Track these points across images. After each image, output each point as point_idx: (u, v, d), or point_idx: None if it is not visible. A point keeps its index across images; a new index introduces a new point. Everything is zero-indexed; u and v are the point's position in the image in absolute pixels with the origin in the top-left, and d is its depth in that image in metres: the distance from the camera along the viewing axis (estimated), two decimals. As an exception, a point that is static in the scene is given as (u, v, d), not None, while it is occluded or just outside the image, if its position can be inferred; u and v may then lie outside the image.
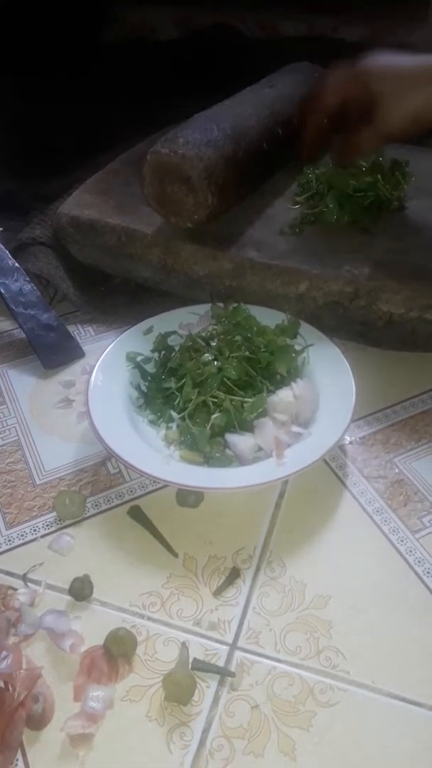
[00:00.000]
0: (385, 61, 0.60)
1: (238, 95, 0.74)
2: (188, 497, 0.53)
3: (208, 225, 0.65)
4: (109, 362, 0.59)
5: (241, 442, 0.53)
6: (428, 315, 0.59)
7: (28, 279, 0.70)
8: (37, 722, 0.41)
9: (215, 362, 0.56)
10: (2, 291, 0.68)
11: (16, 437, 0.60)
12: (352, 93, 0.61)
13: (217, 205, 0.64)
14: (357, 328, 0.63)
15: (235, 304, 0.62)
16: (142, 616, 0.46)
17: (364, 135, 0.61)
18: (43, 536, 0.52)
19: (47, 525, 0.53)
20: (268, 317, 0.62)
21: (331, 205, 0.68)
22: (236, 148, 0.65)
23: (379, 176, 0.70)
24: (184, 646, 0.44)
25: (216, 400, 0.55)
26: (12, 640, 0.45)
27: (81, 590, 0.47)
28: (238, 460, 0.53)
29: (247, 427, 0.54)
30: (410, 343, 0.62)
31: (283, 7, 1.46)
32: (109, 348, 0.61)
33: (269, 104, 0.72)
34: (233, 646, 0.45)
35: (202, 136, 0.63)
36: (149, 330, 0.63)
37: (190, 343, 0.59)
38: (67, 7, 1.31)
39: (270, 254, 0.64)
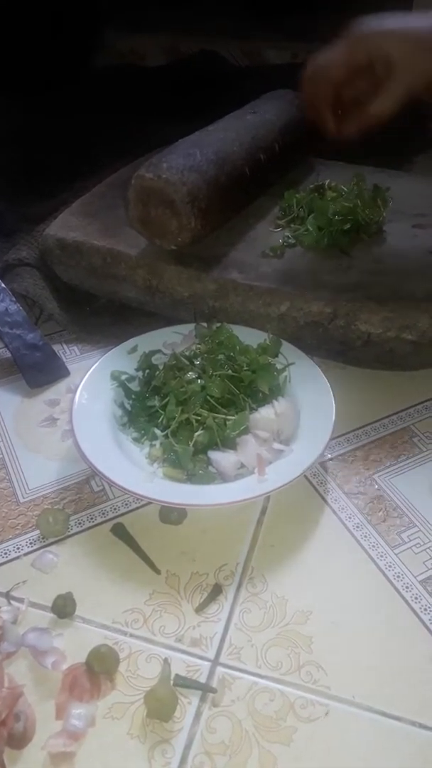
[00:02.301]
0: (392, 23, 0.56)
1: (222, 121, 0.76)
2: (171, 514, 0.53)
3: (191, 247, 0.67)
4: (93, 381, 0.60)
5: (223, 459, 0.54)
6: (405, 335, 0.60)
7: (14, 299, 0.71)
8: (19, 741, 0.41)
9: (198, 380, 0.57)
10: (-12, 311, 0.69)
11: (0, 455, 0.61)
12: (362, 58, 0.56)
13: (200, 228, 0.65)
14: (337, 348, 0.64)
15: (219, 324, 0.63)
16: (124, 633, 0.46)
17: (379, 100, 0.57)
18: (26, 554, 0.52)
19: (31, 543, 0.53)
20: (251, 337, 0.63)
21: (311, 229, 0.70)
22: (219, 172, 0.67)
23: (358, 201, 0.72)
24: (166, 662, 0.45)
25: (199, 417, 0.56)
26: (-6, 658, 0.45)
27: (64, 607, 0.47)
28: (221, 476, 0.54)
29: (229, 444, 0.55)
30: (388, 362, 0.64)
31: (268, 36, 1.50)
32: (93, 367, 0.61)
33: (251, 130, 0.74)
34: (215, 662, 0.45)
35: (186, 161, 0.65)
36: (134, 349, 0.64)
37: (174, 362, 0.60)
38: (57, 31, 1.34)
39: (252, 276, 0.65)
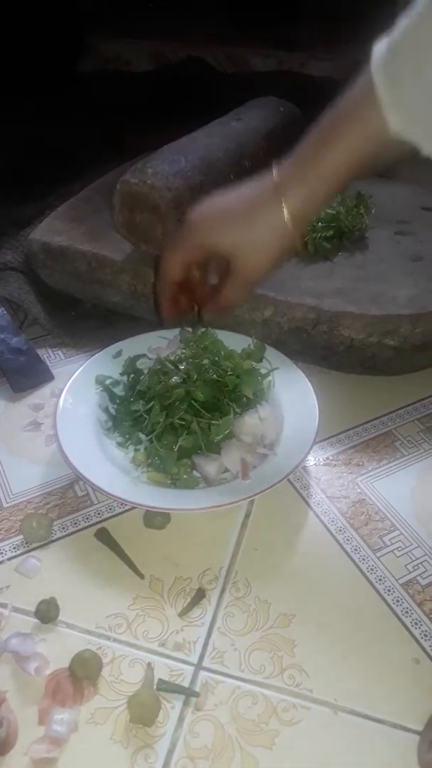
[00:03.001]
0: (214, 207, 0.49)
1: (206, 127, 0.77)
2: (155, 519, 0.53)
3: (176, 252, 0.67)
4: (78, 385, 0.60)
5: (207, 463, 0.54)
6: (387, 340, 0.61)
7: (-2, 303, 0.71)
8: (1, 747, 0.41)
9: (183, 384, 0.58)
10: (-28, 315, 0.69)
11: (-16, 460, 0.60)
12: (197, 254, 0.50)
13: (185, 233, 0.66)
14: (320, 353, 0.65)
15: (203, 329, 0.64)
16: (107, 638, 0.46)
17: (226, 290, 0.51)
18: (9, 559, 0.52)
19: (14, 548, 0.53)
20: (236, 342, 0.63)
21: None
22: (204, 178, 0.67)
23: (341, 209, 0.73)
24: (149, 667, 0.45)
25: (183, 422, 0.56)
26: (-24, 664, 0.45)
27: (47, 613, 0.47)
28: (205, 481, 0.54)
29: (213, 448, 0.55)
30: (370, 367, 0.65)
31: (253, 43, 1.52)
32: (78, 371, 0.61)
33: (236, 137, 0.75)
34: (198, 666, 0.45)
35: (171, 167, 0.65)
36: (118, 353, 0.64)
37: (158, 367, 0.60)
38: (42, 34, 1.34)
39: (237, 281, 0.66)
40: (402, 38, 0.39)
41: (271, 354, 0.63)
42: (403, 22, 0.39)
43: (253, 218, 0.47)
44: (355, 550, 0.52)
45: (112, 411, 0.60)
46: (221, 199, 0.49)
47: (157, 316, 0.60)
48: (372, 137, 0.42)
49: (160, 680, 0.44)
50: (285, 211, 0.45)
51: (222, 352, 0.61)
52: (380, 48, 0.40)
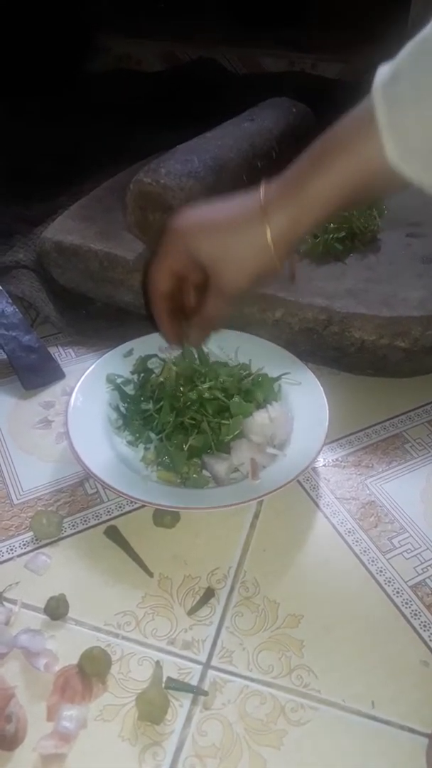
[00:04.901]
0: (191, 220, 0.48)
1: (219, 128, 0.77)
2: (164, 517, 0.54)
3: (188, 252, 0.67)
4: (89, 384, 0.60)
5: (217, 463, 0.54)
6: (398, 342, 0.61)
7: (10, 301, 0.71)
8: (10, 743, 0.41)
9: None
10: (-16, 312, 0.69)
11: (-5, 457, 0.61)
12: (180, 263, 0.49)
13: (197, 233, 0.66)
14: (331, 354, 0.65)
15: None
16: (116, 636, 0.47)
17: (210, 304, 0.50)
18: (19, 555, 0.52)
19: (24, 544, 0.53)
20: (248, 343, 0.63)
21: (306, 236, 0.71)
22: (216, 179, 0.68)
23: (354, 212, 0.73)
24: (158, 665, 0.45)
25: (194, 421, 0.56)
26: (-14, 659, 0.45)
27: (56, 609, 0.47)
28: (215, 480, 0.54)
29: (223, 448, 0.56)
30: (381, 369, 0.65)
31: (265, 44, 1.52)
32: (89, 370, 0.62)
33: (249, 138, 0.75)
34: (207, 665, 0.45)
35: (184, 167, 0.65)
36: (129, 353, 0.64)
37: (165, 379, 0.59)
38: (53, 33, 1.35)
39: (248, 281, 0.66)
40: (405, 62, 0.38)
41: (282, 355, 0.63)
42: (409, 45, 0.38)
43: (236, 234, 0.46)
44: (364, 551, 0.52)
45: (123, 410, 0.60)
46: (207, 210, 0.48)
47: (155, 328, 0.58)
48: (366, 169, 0.40)
49: (169, 678, 0.44)
50: (268, 232, 0.44)
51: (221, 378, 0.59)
52: (383, 71, 0.39)
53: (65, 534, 0.54)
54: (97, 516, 0.55)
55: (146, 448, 0.57)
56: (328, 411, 0.57)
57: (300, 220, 0.44)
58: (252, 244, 0.45)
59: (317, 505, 0.56)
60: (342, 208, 0.44)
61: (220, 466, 0.54)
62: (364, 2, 1.36)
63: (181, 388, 0.57)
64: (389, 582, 0.50)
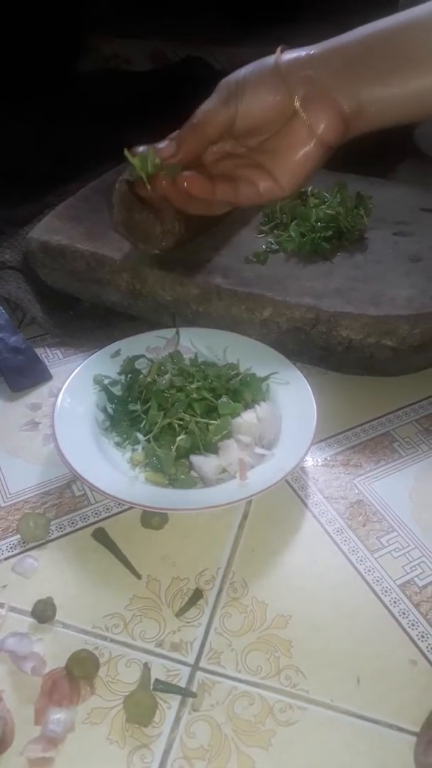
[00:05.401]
0: (292, 56, 0.45)
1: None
2: (152, 519, 0.53)
3: (175, 252, 0.67)
4: (76, 385, 0.60)
5: (205, 463, 0.54)
6: (385, 341, 0.61)
7: (-4, 302, 0.70)
8: (-3, 747, 0.41)
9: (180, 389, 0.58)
10: (-30, 314, 0.69)
11: (-19, 459, 0.60)
12: (227, 121, 0.45)
13: (184, 232, 0.66)
14: (318, 353, 0.65)
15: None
16: (104, 638, 0.46)
17: (292, 159, 0.44)
18: (6, 558, 0.52)
19: (11, 547, 0.52)
20: (234, 343, 0.63)
21: (294, 235, 0.71)
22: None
23: (341, 209, 0.73)
24: (146, 667, 0.45)
25: (181, 422, 0.56)
26: (-28, 664, 0.45)
27: (44, 612, 0.47)
28: (203, 481, 0.54)
29: (211, 448, 0.55)
30: (369, 368, 0.65)
31: (253, 43, 1.52)
32: (76, 371, 0.61)
33: (236, 137, 0.75)
34: (195, 667, 0.45)
35: (170, 166, 0.65)
36: (117, 353, 0.64)
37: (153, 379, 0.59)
38: (42, 33, 1.34)
39: (235, 281, 0.66)
40: None
41: (270, 354, 0.63)
42: None
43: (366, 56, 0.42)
44: (353, 551, 0.52)
45: (110, 411, 0.60)
46: (298, 49, 0.44)
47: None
48: None
49: (157, 680, 0.44)
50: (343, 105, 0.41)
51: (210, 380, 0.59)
52: None
53: (52, 536, 0.53)
54: (84, 518, 0.55)
55: (134, 450, 0.57)
56: (316, 410, 0.57)
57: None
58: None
59: (306, 505, 0.56)
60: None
61: (208, 466, 0.54)
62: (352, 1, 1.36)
63: (171, 390, 0.57)
64: (378, 581, 0.50)
